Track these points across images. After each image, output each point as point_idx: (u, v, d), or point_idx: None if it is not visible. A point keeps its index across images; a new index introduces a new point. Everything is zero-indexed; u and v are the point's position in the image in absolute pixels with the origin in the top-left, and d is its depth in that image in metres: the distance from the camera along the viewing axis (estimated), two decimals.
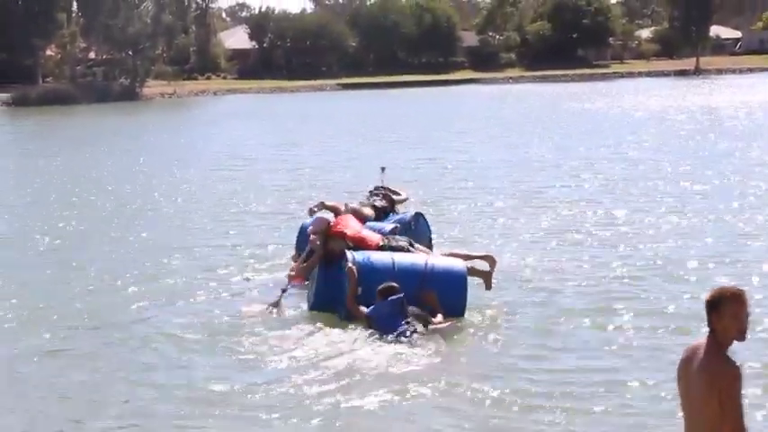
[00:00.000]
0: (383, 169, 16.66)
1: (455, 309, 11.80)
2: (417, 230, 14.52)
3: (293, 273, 13.02)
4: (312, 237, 12.85)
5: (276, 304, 12.40)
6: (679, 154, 28.94)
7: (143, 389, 9.87)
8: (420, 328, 11.02)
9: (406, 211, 15.50)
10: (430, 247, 14.30)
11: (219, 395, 9.57)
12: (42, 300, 13.36)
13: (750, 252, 15.16)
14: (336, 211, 14.44)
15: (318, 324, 11.50)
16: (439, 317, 11.46)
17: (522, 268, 14.48)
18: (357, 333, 10.94)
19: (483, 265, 12.97)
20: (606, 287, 13.33)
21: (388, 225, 14.13)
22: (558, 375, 9.97)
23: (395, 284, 11.23)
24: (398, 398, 9.32)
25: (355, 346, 10.63)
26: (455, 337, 11.21)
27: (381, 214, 14.80)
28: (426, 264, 12.02)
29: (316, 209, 14.99)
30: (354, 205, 14.73)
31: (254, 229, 18.49)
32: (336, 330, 11.19)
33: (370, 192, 15.75)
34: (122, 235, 18.34)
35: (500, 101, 64.38)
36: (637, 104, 54.73)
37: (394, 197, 15.50)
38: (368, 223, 13.86)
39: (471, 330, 11.49)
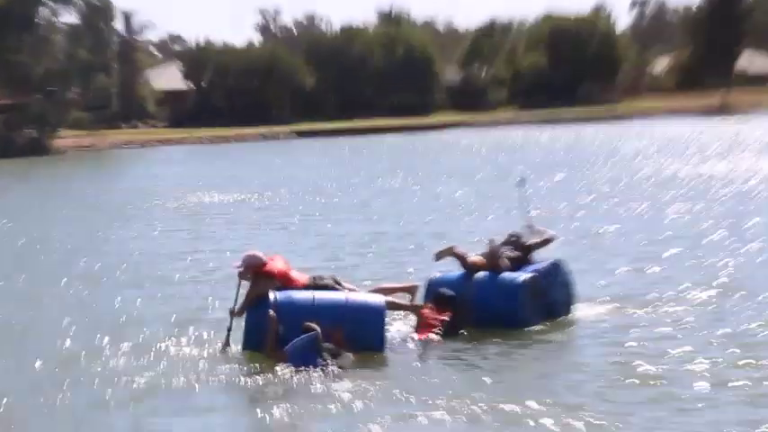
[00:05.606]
0: (522, 181, 17.22)
1: (373, 342, 13.24)
2: (557, 280, 15.27)
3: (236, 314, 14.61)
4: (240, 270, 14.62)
5: (226, 344, 14.00)
6: None
7: None
8: (331, 361, 12.81)
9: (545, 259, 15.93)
10: (571, 295, 15.37)
11: None
12: None
13: None
14: (463, 260, 15.42)
15: (250, 366, 13.20)
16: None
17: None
18: (280, 372, 12.57)
19: (405, 297, 14.60)
20: None
21: (524, 275, 14.92)
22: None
23: (311, 324, 12.94)
24: None
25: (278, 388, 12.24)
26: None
27: (516, 264, 15.41)
28: (346, 300, 13.73)
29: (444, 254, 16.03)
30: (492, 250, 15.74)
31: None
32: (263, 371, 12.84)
33: (502, 242, 16.31)
34: None
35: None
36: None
37: (527, 243, 15.83)
38: (503, 273, 14.95)
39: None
